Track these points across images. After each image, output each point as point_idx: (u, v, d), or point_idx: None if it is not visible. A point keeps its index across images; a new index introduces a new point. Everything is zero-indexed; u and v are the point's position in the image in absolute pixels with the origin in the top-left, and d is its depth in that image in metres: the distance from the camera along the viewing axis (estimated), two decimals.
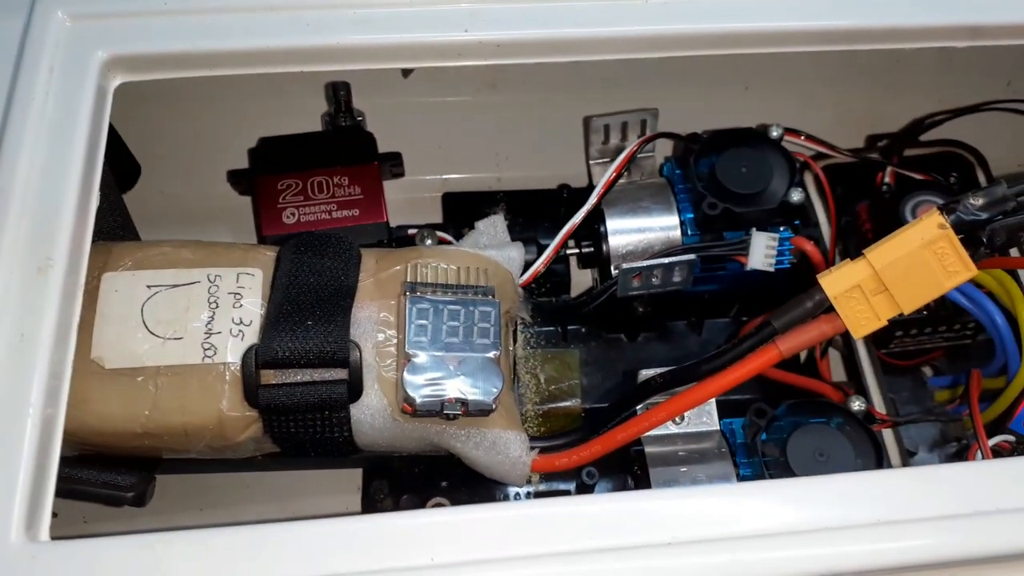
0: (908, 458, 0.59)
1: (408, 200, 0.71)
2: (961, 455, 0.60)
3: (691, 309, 0.68)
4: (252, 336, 0.48)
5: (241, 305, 0.48)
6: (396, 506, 0.60)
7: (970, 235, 0.42)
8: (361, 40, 0.50)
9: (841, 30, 0.53)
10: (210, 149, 0.67)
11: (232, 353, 0.47)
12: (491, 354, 0.48)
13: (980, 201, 0.41)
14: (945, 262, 0.41)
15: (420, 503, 0.59)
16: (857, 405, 0.52)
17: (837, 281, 0.43)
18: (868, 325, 0.43)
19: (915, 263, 0.42)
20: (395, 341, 0.49)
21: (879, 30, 0.53)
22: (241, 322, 0.48)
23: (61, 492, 0.41)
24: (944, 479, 0.40)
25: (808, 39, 0.54)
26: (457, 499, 0.59)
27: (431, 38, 0.50)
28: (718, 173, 0.58)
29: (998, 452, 0.55)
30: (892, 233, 0.42)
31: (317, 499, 0.62)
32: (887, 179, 0.63)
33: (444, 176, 0.74)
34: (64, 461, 0.41)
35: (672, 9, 0.51)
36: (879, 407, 0.60)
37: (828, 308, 0.44)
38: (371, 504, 0.60)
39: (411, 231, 0.64)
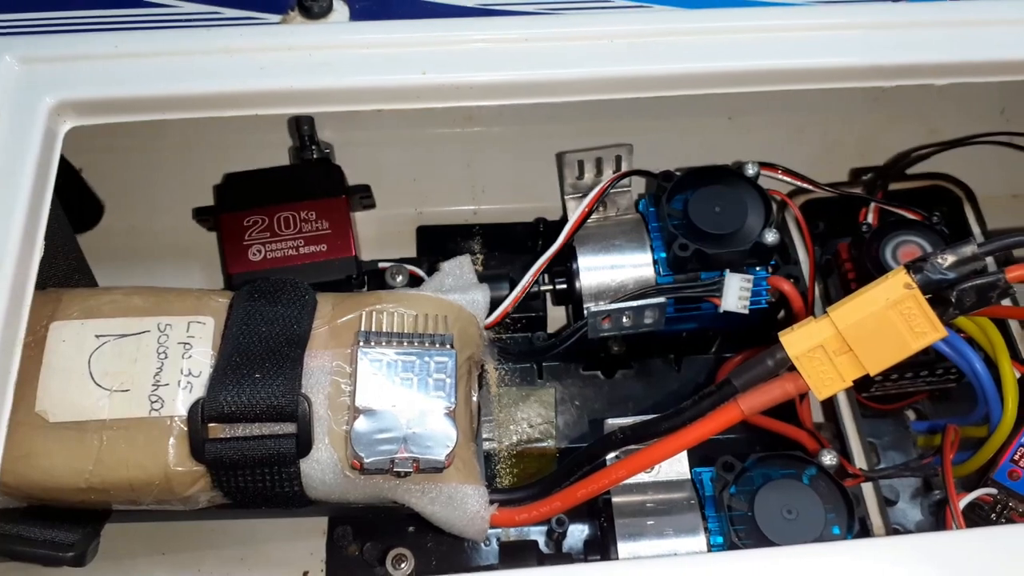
0: (888, 507, 0.57)
1: (383, 234, 0.69)
2: (942, 505, 0.58)
3: (669, 347, 0.66)
4: (200, 388, 0.46)
5: (190, 356, 0.47)
6: (360, 553, 0.58)
7: (938, 294, 0.40)
8: (317, 83, 0.48)
9: (821, 68, 0.52)
10: (178, 184, 0.66)
11: (180, 406, 0.46)
12: (445, 407, 0.46)
13: (949, 260, 0.39)
14: (912, 323, 0.39)
15: (383, 550, 0.57)
16: (828, 459, 0.50)
17: (799, 340, 0.41)
18: (832, 386, 0.41)
19: (880, 323, 0.40)
20: (348, 392, 0.47)
21: (861, 68, 0.51)
22: (190, 373, 0.47)
23: None
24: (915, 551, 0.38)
25: (787, 77, 0.52)
26: (422, 547, 0.58)
27: (388, 81, 0.48)
28: (690, 213, 0.56)
29: (979, 506, 0.53)
30: (857, 291, 0.40)
31: (282, 544, 0.60)
32: (869, 216, 0.61)
33: (420, 209, 0.72)
34: (2, 515, 0.40)
35: (638, 50, 0.50)
36: (857, 454, 0.58)
37: (791, 367, 0.42)
38: (335, 550, 0.59)
39: (382, 265, 0.62)
